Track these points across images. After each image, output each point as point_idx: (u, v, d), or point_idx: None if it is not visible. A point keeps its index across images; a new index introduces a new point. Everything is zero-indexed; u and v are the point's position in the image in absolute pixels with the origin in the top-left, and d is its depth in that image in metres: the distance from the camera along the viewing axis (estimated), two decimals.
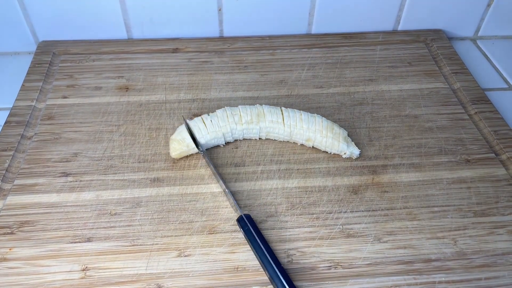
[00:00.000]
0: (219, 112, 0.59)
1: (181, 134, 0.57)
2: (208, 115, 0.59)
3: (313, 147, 0.59)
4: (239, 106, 0.59)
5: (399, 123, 0.64)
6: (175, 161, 0.58)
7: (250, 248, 0.48)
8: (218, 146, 0.60)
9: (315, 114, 0.59)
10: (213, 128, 0.57)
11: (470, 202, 0.54)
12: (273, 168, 0.57)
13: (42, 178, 0.55)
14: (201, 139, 0.57)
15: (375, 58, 0.75)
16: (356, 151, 0.58)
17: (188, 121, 0.58)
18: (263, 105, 0.60)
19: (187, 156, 0.58)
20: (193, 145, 0.57)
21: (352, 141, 0.59)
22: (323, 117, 0.59)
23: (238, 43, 0.77)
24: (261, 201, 0.54)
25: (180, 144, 0.56)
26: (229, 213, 0.52)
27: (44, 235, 0.49)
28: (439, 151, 0.60)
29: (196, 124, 0.57)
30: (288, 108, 0.60)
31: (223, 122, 0.58)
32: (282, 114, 0.59)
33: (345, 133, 0.59)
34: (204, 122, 0.58)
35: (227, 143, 0.60)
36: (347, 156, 0.58)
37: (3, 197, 0.53)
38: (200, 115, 0.59)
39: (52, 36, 0.76)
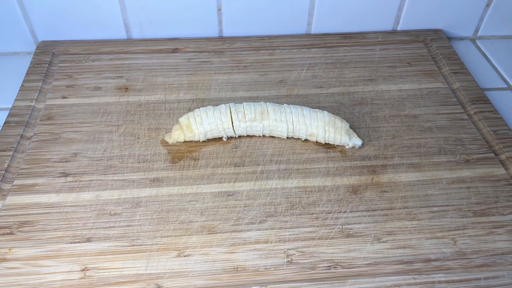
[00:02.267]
0: (222, 107, 0.59)
1: (189, 119, 0.58)
2: (212, 107, 0.60)
3: (316, 141, 0.60)
4: (244, 103, 0.60)
5: (399, 123, 0.64)
6: (175, 161, 0.58)
7: (250, 248, 0.49)
8: (218, 145, 0.60)
9: (317, 109, 0.60)
10: (214, 120, 0.58)
11: (469, 202, 0.54)
12: (273, 168, 0.57)
13: (41, 178, 0.55)
14: (200, 128, 0.58)
15: (375, 58, 0.75)
16: (358, 142, 0.59)
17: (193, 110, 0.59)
18: (267, 102, 0.60)
19: (186, 156, 0.58)
20: (201, 130, 0.58)
21: (354, 132, 0.60)
22: (324, 112, 0.60)
23: (238, 43, 0.77)
24: (261, 201, 0.54)
25: (187, 128, 0.58)
26: (229, 213, 0.52)
27: (43, 235, 0.49)
28: (439, 151, 0.60)
29: (199, 114, 0.58)
30: (291, 105, 0.60)
31: (226, 118, 0.58)
32: (285, 111, 0.59)
33: (347, 125, 0.60)
34: (207, 112, 0.59)
35: (228, 142, 0.60)
36: (350, 147, 0.60)
37: (2, 197, 0.53)
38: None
39: (52, 36, 0.76)
